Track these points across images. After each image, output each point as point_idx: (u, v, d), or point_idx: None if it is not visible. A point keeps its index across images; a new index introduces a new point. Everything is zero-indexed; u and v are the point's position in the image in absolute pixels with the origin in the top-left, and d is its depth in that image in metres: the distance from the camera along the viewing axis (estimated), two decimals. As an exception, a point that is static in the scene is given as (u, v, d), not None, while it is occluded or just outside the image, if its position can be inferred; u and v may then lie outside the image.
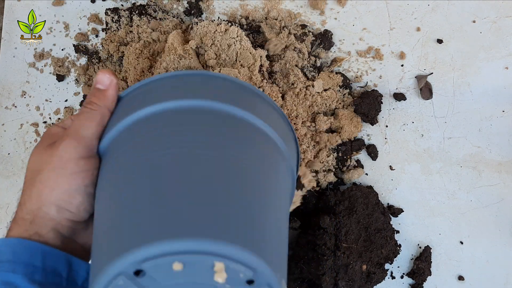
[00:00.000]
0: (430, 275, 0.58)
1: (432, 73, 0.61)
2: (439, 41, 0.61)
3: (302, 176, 0.54)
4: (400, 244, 0.58)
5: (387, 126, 0.61)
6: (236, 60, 0.56)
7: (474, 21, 0.61)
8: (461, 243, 0.59)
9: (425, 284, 0.58)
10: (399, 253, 0.57)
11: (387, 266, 0.58)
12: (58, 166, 0.36)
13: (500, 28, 0.60)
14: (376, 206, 0.56)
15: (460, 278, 0.58)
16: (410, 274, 0.59)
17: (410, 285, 0.59)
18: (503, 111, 0.59)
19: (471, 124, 0.60)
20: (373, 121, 0.60)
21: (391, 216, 0.57)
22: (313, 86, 0.58)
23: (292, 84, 0.59)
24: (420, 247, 0.59)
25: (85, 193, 0.37)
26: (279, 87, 0.59)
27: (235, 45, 0.55)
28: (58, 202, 0.36)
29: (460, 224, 0.59)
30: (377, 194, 0.58)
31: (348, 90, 0.61)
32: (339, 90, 0.61)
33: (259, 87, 0.57)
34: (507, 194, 0.58)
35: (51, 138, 0.39)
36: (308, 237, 0.56)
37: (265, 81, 0.58)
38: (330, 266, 0.53)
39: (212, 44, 0.55)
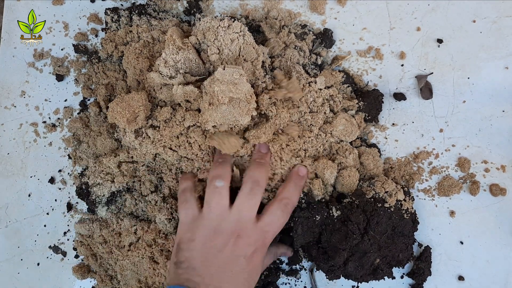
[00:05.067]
0: (430, 275, 0.58)
1: (432, 73, 0.61)
2: (439, 41, 0.61)
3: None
4: (414, 256, 0.58)
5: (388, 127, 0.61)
6: (239, 54, 0.56)
7: (474, 21, 0.61)
8: (461, 243, 0.58)
9: (425, 284, 0.58)
10: (410, 262, 0.58)
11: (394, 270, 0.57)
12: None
13: (500, 28, 0.60)
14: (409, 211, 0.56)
15: (460, 278, 0.58)
16: (410, 274, 0.59)
17: (410, 285, 0.59)
18: (503, 111, 0.59)
19: (471, 124, 0.60)
20: (374, 120, 0.60)
21: (418, 228, 0.57)
22: (315, 83, 0.58)
23: None
24: (420, 247, 0.59)
25: None
26: None
27: (238, 40, 0.55)
28: None
29: (460, 224, 0.59)
30: (414, 198, 0.58)
31: (350, 88, 0.61)
32: (341, 88, 0.61)
33: (262, 83, 0.57)
34: (507, 193, 0.58)
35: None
36: (343, 209, 0.56)
37: (267, 76, 0.58)
38: (352, 246, 0.54)
39: (215, 39, 0.55)
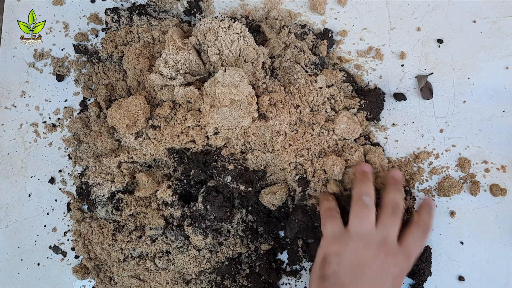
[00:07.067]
0: (430, 275, 0.58)
1: (432, 73, 0.61)
2: (439, 41, 0.61)
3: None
4: None
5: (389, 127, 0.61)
6: (239, 55, 0.56)
7: (474, 21, 0.61)
8: (461, 243, 0.59)
9: (425, 284, 0.58)
10: None
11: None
12: None
13: (500, 28, 0.60)
14: None
15: (460, 278, 0.58)
16: (410, 275, 0.59)
17: (410, 285, 0.59)
18: (503, 111, 0.59)
19: (471, 124, 0.60)
20: (376, 118, 0.60)
21: None
22: (316, 81, 0.58)
23: (295, 79, 0.58)
24: (420, 247, 0.59)
25: None
26: (281, 83, 0.59)
27: (238, 41, 0.55)
28: None
29: (460, 224, 0.59)
30: (415, 198, 0.58)
31: (351, 87, 0.61)
32: (342, 87, 0.61)
33: (262, 83, 0.57)
34: (507, 194, 0.58)
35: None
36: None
37: (267, 77, 0.58)
38: None
39: (215, 39, 0.55)
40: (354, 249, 0.50)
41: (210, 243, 0.60)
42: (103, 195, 0.62)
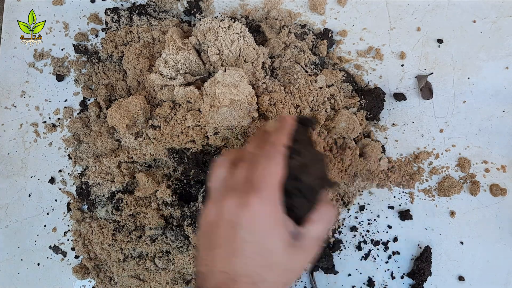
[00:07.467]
0: (430, 275, 0.58)
1: (432, 73, 0.61)
2: (439, 41, 0.61)
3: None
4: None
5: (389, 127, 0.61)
6: (239, 55, 0.56)
7: (474, 21, 0.61)
8: (461, 243, 0.58)
9: (425, 284, 0.58)
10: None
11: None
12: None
13: (500, 28, 0.60)
14: None
15: (460, 278, 0.58)
16: (410, 274, 0.59)
17: (410, 285, 0.59)
18: (504, 111, 0.59)
19: (471, 124, 0.60)
20: (376, 118, 0.60)
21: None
22: (316, 81, 0.58)
23: (295, 79, 0.58)
24: (420, 247, 0.59)
25: None
26: (280, 83, 0.59)
27: (238, 41, 0.55)
28: None
29: (460, 224, 0.59)
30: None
31: (351, 87, 0.61)
32: (342, 87, 0.61)
33: (262, 83, 0.57)
34: (507, 194, 0.58)
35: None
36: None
37: (267, 77, 0.58)
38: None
39: (215, 40, 0.55)
40: (205, 213, 0.41)
41: None
42: (103, 195, 0.62)
